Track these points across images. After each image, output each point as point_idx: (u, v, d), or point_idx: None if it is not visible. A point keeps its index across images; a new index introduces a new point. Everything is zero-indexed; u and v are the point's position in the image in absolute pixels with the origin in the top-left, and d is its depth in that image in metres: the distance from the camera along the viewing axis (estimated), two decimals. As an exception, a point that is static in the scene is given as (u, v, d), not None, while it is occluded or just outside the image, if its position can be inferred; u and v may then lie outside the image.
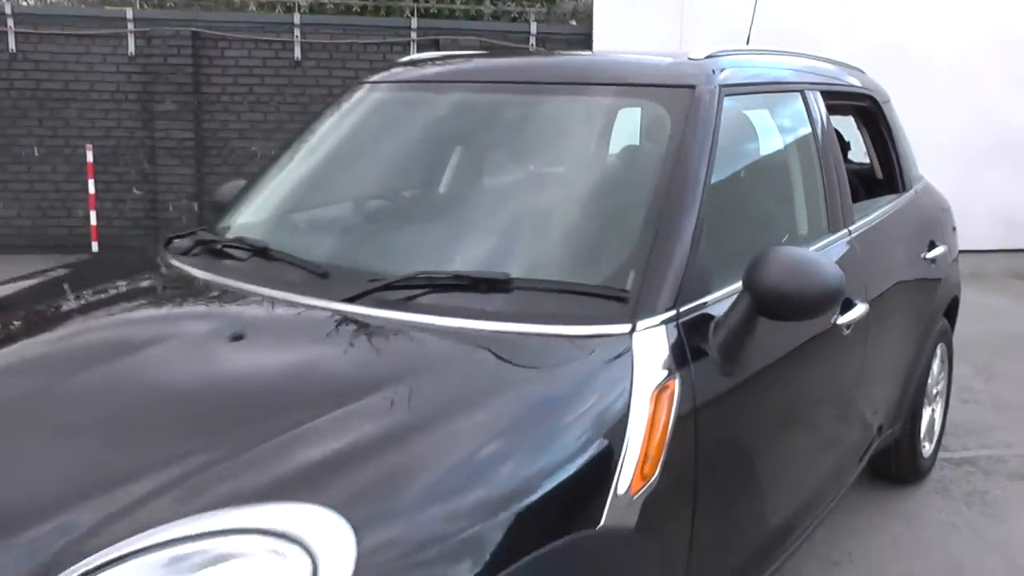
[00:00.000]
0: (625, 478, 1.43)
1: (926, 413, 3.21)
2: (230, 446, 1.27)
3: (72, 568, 1.09)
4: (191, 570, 1.08)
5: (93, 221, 6.78)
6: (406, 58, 2.71)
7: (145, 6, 7.39)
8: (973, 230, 7.35)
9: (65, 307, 1.97)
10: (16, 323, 1.88)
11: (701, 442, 1.62)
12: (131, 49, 6.82)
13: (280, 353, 1.61)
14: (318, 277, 1.82)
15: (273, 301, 1.78)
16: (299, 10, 7.22)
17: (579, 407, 1.43)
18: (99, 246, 6.81)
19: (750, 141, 2.26)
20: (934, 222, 3.24)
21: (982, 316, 5.48)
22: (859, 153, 3.39)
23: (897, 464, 3.15)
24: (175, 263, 2.07)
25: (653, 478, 1.48)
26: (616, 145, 2.27)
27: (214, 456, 1.25)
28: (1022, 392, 4.28)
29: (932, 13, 7.52)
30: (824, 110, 2.52)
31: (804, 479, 2.26)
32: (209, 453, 1.26)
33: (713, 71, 2.06)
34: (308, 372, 1.53)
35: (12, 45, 6.71)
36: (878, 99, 3.11)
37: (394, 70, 2.56)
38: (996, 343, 5.05)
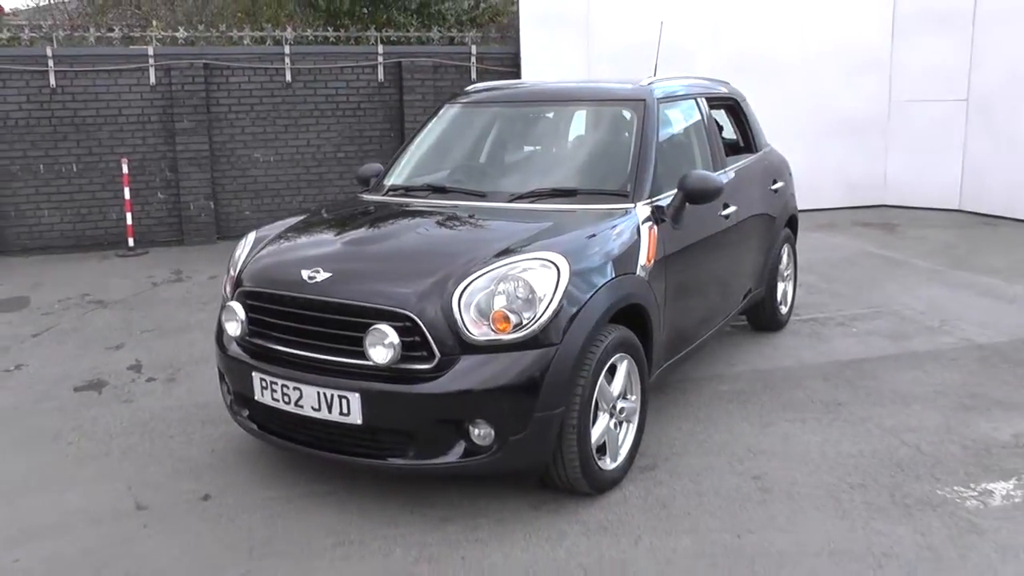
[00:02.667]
0: (642, 258, 3.32)
1: (780, 286, 5.22)
2: (505, 243, 3.08)
3: (463, 280, 2.87)
4: (510, 274, 2.87)
5: (129, 221, 8.19)
6: (470, 87, 4.58)
7: (157, 44, 8.76)
8: (825, 194, 9.55)
9: (363, 215, 3.74)
10: (356, 216, 3.73)
11: (666, 258, 3.52)
12: (152, 79, 8.25)
13: (494, 220, 3.44)
14: (479, 196, 3.65)
15: (468, 204, 3.61)
16: (287, 43, 8.81)
17: (622, 229, 3.32)
18: (134, 242, 8.22)
19: (674, 126, 4.17)
20: (776, 169, 5.25)
21: (829, 248, 7.70)
22: (728, 132, 5.38)
23: (763, 318, 5.15)
24: (389, 198, 3.88)
25: (651, 263, 3.37)
26: (607, 130, 4.17)
27: (499, 246, 3.06)
28: (847, 288, 6.40)
29: (781, 25, 9.44)
30: (707, 107, 4.48)
31: (711, 300, 4.20)
32: (499, 244, 3.07)
33: (652, 91, 3.99)
34: (511, 223, 3.37)
35: (52, 81, 8.03)
36: (737, 99, 5.10)
37: (465, 93, 4.43)
38: (835, 262, 7.21)
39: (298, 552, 2.90)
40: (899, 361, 4.75)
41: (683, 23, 9.08)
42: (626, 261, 3.27)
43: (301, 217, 3.86)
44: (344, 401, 2.92)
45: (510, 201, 3.63)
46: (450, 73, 9.17)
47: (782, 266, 5.20)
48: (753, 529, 3.01)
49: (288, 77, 8.58)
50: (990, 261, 7.24)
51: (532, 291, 2.88)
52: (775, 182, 5.09)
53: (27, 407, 4.32)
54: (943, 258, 7.34)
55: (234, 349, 3.32)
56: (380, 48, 8.91)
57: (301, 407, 3.02)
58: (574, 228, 3.26)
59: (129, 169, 8.13)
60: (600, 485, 3.18)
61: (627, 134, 3.90)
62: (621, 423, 3.30)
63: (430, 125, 4.43)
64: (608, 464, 3.21)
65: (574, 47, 9.15)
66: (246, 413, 3.37)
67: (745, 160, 4.85)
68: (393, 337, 2.84)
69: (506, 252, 3.03)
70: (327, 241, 3.46)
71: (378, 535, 2.98)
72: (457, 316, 2.86)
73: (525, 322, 2.87)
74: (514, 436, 2.87)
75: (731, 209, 4.24)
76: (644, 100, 3.93)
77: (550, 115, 4.23)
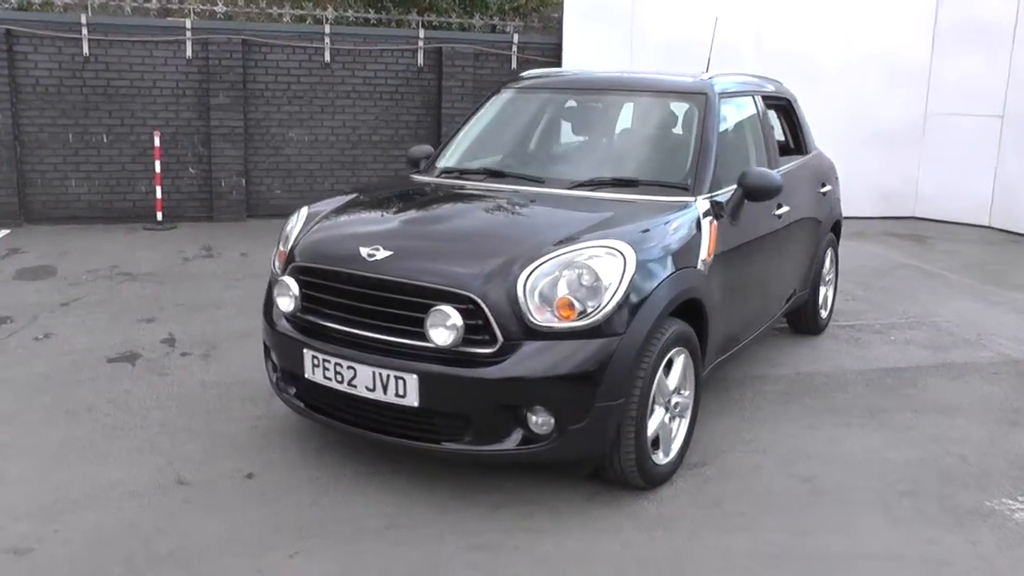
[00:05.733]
0: (702, 253, 3.28)
1: (822, 290, 5.17)
2: (568, 231, 3.05)
3: (528, 264, 2.83)
4: (576, 261, 2.84)
5: (158, 195, 8.17)
6: (526, 73, 4.53)
7: (195, 17, 8.72)
8: (858, 203, 9.46)
9: (419, 194, 3.75)
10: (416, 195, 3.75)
11: (724, 254, 3.48)
12: (189, 53, 8.22)
13: (555, 206, 3.42)
14: (537, 182, 3.60)
15: (527, 190, 3.58)
16: (327, 22, 8.77)
17: (684, 223, 3.28)
18: (162, 216, 8.21)
19: (731, 121, 4.12)
20: (824, 173, 5.20)
21: (864, 257, 7.64)
22: (779, 132, 5.33)
23: (804, 320, 5.10)
24: (443, 180, 3.87)
25: (711, 257, 3.33)
26: (668, 122, 4.11)
27: (562, 233, 3.03)
28: (882, 296, 6.35)
29: (822, 30, 9.39)
30: (763, 106, 4.43)
31: (761, 299, 4.15)
32: (562, 230, 3.05)
33: (713, 85, 3.94)
34: (572, 211, 3.34)
35: (86, 49, 8.00)
36: (790, 100, 5.05)
37: (521, 79, 4.39)
38: (869, 271, 7.16)
39: (347, 534, 2.88)
40: (939, 372, 4.71)
41: (726, 22, 8.98)
42: (688, 255, 3.23)
43: (353, 195, 3.81)
44: (400, 382, 2.89)
45: (570, 188, 3.59)
46: (490, 61, 9.12)
47: (825, 270, 5.16)
48: (808, 531, 2.98)
49: (327, 57, 8.54)
50: (1021, 279, 7.17)
51: (598, 279, 2.85)
52: (823, 185, 5.04)
53: (59, 376, 4.28)
54: (975, 273, 7.27)
55: (283, 325, 3.29)
56: (421, 32, 8.87)
57: (355, 387, 2.99)
58: (637, 219, 3.23)
59: (161, 142, 8.10)
60: (653, 479, 3.15)
61: (688, 127, 3.86)
62: (674, 418, 3.26)
63: (484, 108, 4.39)
64: (661, 458, 3.18)
65: (617, 41, 9.10)
66: (293, 391, 3.34)
67: (797, 161, 4.81)
68: (456, 319, 2.81)
69: (569, 239, 3.00)
70: (385, 219, 3.43)
71: (428, 520, 2.96)
72: (521, 301, 2.83)
73: (589, 310, 2.84)
74: (573, 425, 2.84)
75: (784, 209, 4.20)
76: (706, 94, 3.88)
77: (608, 104, 4.18)
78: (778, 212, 4.14)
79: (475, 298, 2.83)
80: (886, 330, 5.46)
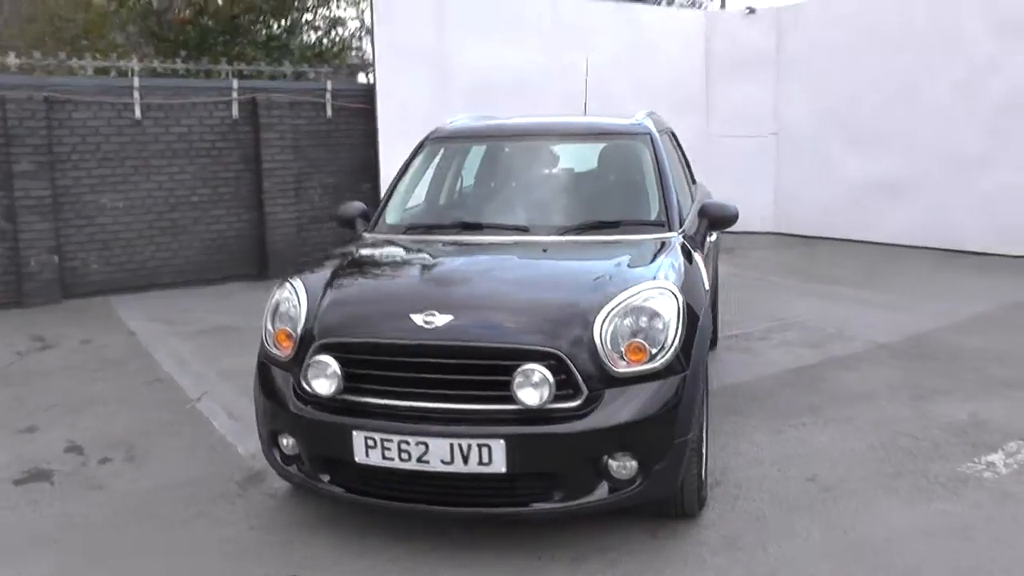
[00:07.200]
0: (705, 283, 3.56)
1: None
2: (608, 275, 3.13)
3: (597, 313, 2.88)
4: (637, 305, 2.92)
5: (-49, 282, 6.99)
6: (447, 122, 4.55)
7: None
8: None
9: (416, 253, 3.65)
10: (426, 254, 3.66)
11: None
12: (-19, 115, 7.13)
13: (572, 253, 3.51)
14: (521, 230, 3.63)
15: (524, 239, 3.62)
16: (135, 74, 8.04)
17: (685, 258, 3.44)
18: (-42, 306, 7.03)
19: (668, 155, 4.41)
20: (707, 196, 5.70)
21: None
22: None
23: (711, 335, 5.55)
24: (419, 237, 3.80)
25: (709, 288, 3.59)
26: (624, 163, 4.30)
27: (605, 279, 3.10)
28: (742, 305, 6.99)
29: (616, 63, 10.24)
30: (674, 140, 4.80)
31: (710, 323, 4.47)
32: (603, 276, 3.12)
33: (648, 126, 4.21)
34: (594, 256, 3.44)
35: None
36: (673, 131, 5.49)
37: (445, 130, 4.44)
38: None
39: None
40: (833, 365, 5.33)
41: (533, 61, 9.56)
42: (700, 287, 3.44)
43: (333, 260, 3.58)
44: (485, 450, 2.79)
45: (561, 234, 3.66)
46: (306, 110, 8.85)
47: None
48: (847, 525, 3.28)
49: (137, 113, 7.81)
50: (830, 274, 8.27)
51: (661, 320, 2.96)
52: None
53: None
54: (793, 274, 8.27)
55: (311, 410, 3.04)
56: (235, 83, 8.41)
57: (426, 462, 2.85)
58: (653, 258, 3.38)
59: (-51, 221, 6.96)
60: (702, 505, 3.30)
61: (644, 166, 4.08)
62: (701, 443, 3.44)
63: (418, 161, 4.32)
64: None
65: (428, 82, 9.22)
66: (327, 478, 3.09)
67: (698, 188, 5.23)
68: (547, 376, 2.78)
69: (617, 285, 3.08)
70: (412, 282, 3.30)
71: (523, 584, 2.88)
72: (600, 350, 2.86)
73: (656, 351, 2.93)
74: (657, 465, 2.91)
75: (713, 237, 4.57)
76: (650, 133, 4.15)
77: (557, 150, 4.30)
78: (712, 238, 4.49)
79: (559, 353, 2.82)
80: (766, 336, 6.07)
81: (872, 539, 3.16)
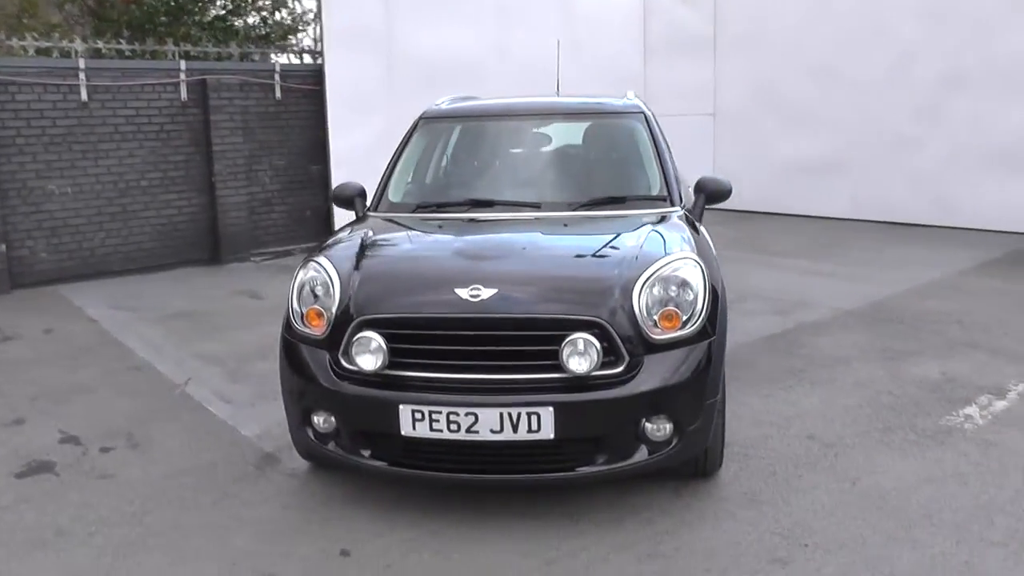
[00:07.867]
0: (715, 253, 3.67)
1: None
2: (644, 247, 3.25)
3: (635, 282, 3.01)
4: (670, 274, 3.06)
5: None
6: (440, 101, 4.61)
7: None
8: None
9: (438, 228, 3.72)
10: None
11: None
12: (-92, 99, 6.76)
13: (593, 227, 3.62)
14: (533, 207, 3.72)
15: (541, 214, 3.71)
16: (79, 56, 7.71)
17: (693, 230, 3.61)
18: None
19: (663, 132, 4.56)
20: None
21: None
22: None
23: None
24: (432, 215, 3.81)
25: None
26: (623, 140, 4.41)
27: (640, 249, 3.21)
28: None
29: (558, 42, 10.46)
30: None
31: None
32: (637, 246, 3.23)
33: (641, 105, 4.35)
34: (619, 230, 3.50)
35: None
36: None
37: (440, 109, 4.51)
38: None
39: (504, 579, 2.82)
40: (804, 331, 5.61)
41: (479, 43, 9.61)
42: (713, 256, 3.60)
43: (356, 237, 3.59)
44: (534, 418, 2.89)
45: (575, 210, 3.76)
46: (255, 91, 8.67)
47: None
48: (855, 476, 3.51)
49: (84, 95, 7.51)
50: (776, 246, 8.63)
51: (691, 288, 3.11)
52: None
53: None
54: (743, 247, 8.59)
55: (352, 386, 3.07)
56: (183, 64, 8.17)
57: (475, 432, 2.92)
58: (673, 231, 3.52)
59: None
60: (720, 464, 3.47)
61: (642, 144, 4.21)
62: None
63: (414, 140, 4.35)
64: (722, 444, 3.52)
65: (376, 64, 9.15)
66: (368, 453, 3.13)
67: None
68: (596, 345, 2.89)
69: (647, 255, 3.20)
70: (448, 257, 3.34)
71: (576, 546, 2.99)
72: (639, 318, 2.99)
73: (686, 319, 3.08)
74: (691, 427, 3.06)
75: (696, 211, 4.76)
76: (643, 112, 4.28)
77: (554, 128, 4.39)
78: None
79: (603, 322, 2.93)
80: (731, 306, 6.30)
81: (880, 488, 3.39)
